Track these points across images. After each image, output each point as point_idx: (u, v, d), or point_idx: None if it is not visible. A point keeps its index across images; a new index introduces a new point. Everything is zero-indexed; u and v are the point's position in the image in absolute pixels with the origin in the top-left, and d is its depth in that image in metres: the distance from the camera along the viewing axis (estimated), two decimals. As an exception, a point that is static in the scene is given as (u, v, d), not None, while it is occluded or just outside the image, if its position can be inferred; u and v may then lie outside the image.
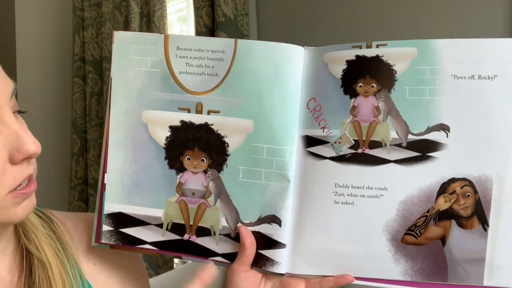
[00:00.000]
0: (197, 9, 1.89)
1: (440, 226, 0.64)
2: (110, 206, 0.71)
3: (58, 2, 2.18)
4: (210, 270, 0.65)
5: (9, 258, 0.66)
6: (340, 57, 0.66)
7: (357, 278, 0.65)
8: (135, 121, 0.70)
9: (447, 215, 0.63)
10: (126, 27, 1.98)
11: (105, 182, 0.71)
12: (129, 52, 0.70)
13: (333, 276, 0.66)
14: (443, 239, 0.64)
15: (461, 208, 0.63)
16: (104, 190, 0.71)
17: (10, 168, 0.57)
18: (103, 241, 0.71)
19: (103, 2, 2.10)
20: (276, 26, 1.76)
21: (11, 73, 0.62)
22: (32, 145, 0.57)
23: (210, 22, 1.85)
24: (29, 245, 0.66)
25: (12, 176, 0.57)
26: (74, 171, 2.24)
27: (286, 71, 0.67)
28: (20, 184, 0.59)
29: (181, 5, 2.28)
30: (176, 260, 2.22)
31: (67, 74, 2.19)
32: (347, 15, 1.57)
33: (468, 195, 0.63)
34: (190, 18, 2.07)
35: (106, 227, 0.71)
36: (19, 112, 0.62)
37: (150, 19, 1.90)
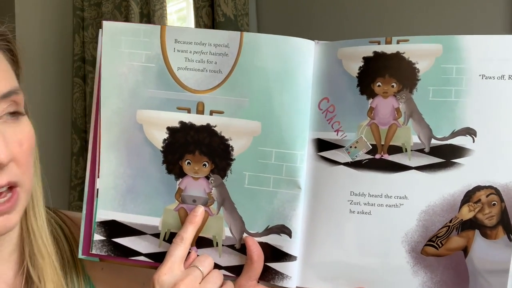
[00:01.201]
0: (197, 9, 1.86)
1: (463, 237, 0.59)
2: (103, 213, 0.65)
3: (58, 2, 2.15)
4: (198, 212, 0.62)
5: (13, 265, 0.64)
6: (356, 53, 0.60)
7: (372, 291, 0.61)
8: (129, 122, 0.64)
9: (471, 224, 0.59)
10: (126, 27, 1.97)
11: (97, 187, 0.64)
12: (120, 44, 0.63)
13: (347, 289, 0.61)
14: (465, 250, 0.60)
15: (485, 217, 0.59)
16: (97, 196, 0.65)
17: None
18: (93, 251, 0.65)
19: (103, 2, 2.07)
20: (276, 26, 1.75)
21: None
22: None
23: (210, 22, 1.83)
24: (32, 271, 0.62)
25: None
26: (74, 171, 2.23)
27: (297, 68, 0.61)
28: None
29: (181, 5, 2.26)
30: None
31: (67, 74, 2.18)
32: (350, 15, 1.52)
33: (494, 204, 0.58)
34: (190, 18, 2.06)
35: (97, 236, 0.65)
36: (19, 113, 0.58)
37: (150, 19, 1.87)
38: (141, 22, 1.91)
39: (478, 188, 0.58)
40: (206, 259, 0.62)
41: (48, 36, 2.10)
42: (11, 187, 0.56)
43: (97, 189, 0.64)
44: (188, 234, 0.61)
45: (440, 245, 0.60)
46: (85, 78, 2.17)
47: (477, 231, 0.59)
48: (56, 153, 2.07)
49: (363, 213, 0.60)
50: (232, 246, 0.63)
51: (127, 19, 1.92)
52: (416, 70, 0.59)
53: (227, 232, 0.63)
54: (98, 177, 0.64)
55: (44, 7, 2.08)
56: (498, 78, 0.57)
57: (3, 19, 0.59)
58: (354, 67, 0.60)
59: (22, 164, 0.57)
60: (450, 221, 0.59)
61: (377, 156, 0.60)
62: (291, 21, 1.69)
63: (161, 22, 1.83)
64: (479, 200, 0.58)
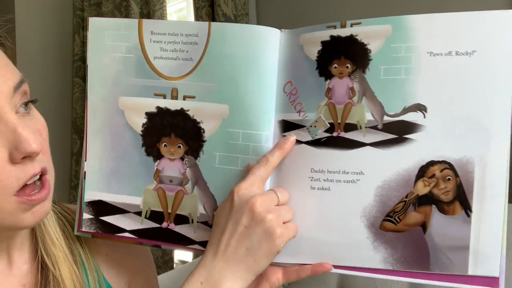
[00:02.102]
0: (197, 9, 1.88)
1: (420, 212, 0.61)
2: (90, 194, 0.71)
3: (58, 2, 2.19)
4: (290, 139, 0.64)
5: (24, 254, 0.67)
6: (315, 38, 0.64)
7: (335, 267, 0.63)
8: (112, 108, 0.70)
9: (427, 200, 0.60)
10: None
11: (84, 170, 0.71)
12: (104, 38, 0.70)
13: (311, 264, 0.64)
14: (424, 226, 0.61)
15: (441, 192, 0.60)
16: (84, 178, 0.71)
17: (11, 168, 0.55)
18: (83, 229, 0.71)
19: (103, 2, 2.10)
20: (276, 26, 1.75)
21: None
22: (32, 143, 0.54)
23: (210, 22, 1.88)
24: (46, 258, 0.66)
25: (14, 176, 0.55)
26: (74, 171, 2.25)
27: (262, 54, 0.65)
28: (26, 185, 0.56)
29: (181, 5, 2.29)
30: (176, 260, 2.22)
31: (67, 74, 2.21)
32: (351, 16, 1.54)
33: (449, 179, 0.59)
34: (190, 18, 2.07)
35: (86, 215, 0.71)
36: (32, 102, 0.60)
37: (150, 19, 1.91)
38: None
39: (431, 163, 0.60)
40: (284, 191, 0.63)
41: (48, 36, 2.11)
42: (40, 177, 0.59)
43: (84, 172, 0.71)
44: (274, 158, 0.63)
45: (398, 220, 0.61)
46: (85, 78, 2.21)
47: (434, 207, 0.60)
48: (56, 153, 2.14)
49: (323, 189, 0.63)
50: (205, 223, 0.67)
51: (127, 18, 1.97)
52: (368, 51, 0.61)
53: (201, 210, 0.68)
54: (85, 160, 0.71)
55: (44, 7, 2.10)
56: (446, 54, 0.58)
57: None
58: (314, 51, 0.64)
59: (45, 152, 0.60)
60: (406, 196, 0.61)
61: (335, 134, 0.63)
62: (291, 21, 1.70)
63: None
64: (434, 175, 0.60)
